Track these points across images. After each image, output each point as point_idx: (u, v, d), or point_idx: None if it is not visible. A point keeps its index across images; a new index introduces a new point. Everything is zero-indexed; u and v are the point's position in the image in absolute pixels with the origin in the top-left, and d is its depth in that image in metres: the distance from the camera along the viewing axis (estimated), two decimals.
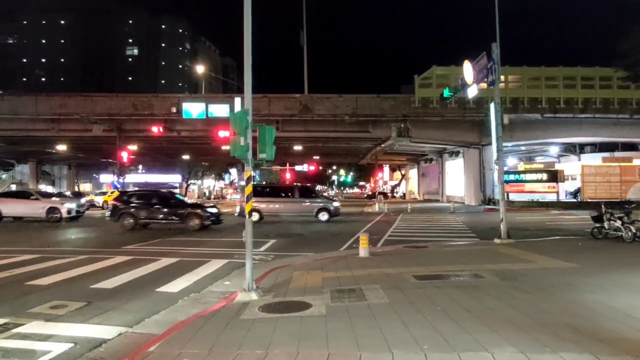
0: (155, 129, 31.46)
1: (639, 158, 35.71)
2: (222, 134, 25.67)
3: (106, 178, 57.91)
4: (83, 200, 26.95)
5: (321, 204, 22.64)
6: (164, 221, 18.99)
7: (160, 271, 9.59)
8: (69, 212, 23.57)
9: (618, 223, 12.27)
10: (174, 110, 31.73)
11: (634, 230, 11.82)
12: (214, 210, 19.52)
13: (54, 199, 25.80)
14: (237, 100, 29.47)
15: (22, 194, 25.32)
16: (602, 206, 13.09)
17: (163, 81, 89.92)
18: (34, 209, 23.11)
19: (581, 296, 6.29)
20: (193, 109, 31.55)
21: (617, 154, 38.95)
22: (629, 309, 5.57)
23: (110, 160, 46.91)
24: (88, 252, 12.10)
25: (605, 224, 12.64)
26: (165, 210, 19.10)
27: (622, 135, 33.82)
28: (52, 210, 23.15)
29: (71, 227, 20.64)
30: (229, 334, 5.04)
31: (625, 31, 17.99)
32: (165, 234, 17.23)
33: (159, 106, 32.46)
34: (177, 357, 4.40)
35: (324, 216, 22.05)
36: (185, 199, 21.78)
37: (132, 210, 19.10)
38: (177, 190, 64.02)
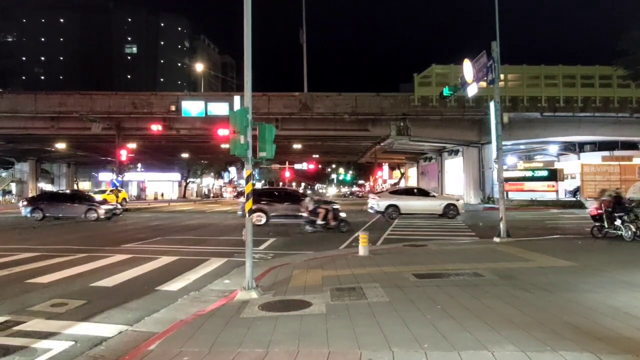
0: (155, 128, 31.49)
1: (639, 157, 35.72)
2: (222, 132, 25.68)
3: (105, 176, 57.89)
4: None
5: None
6: None
7: (159, 270, 9.59)
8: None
9: (618, 222, 12.29)
10: (173, 108, 31.74)
11: (634, 229, 11.84)
12: None
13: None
14: (237, 99, 29.60)
15: (418, 191, 24.68)
16: (602, 205, 13.09)
17: (162, 79, 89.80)
18: (432, 206, 22.49)
19: (580, 295, 6.30)
20: (192, 107, 31.54)
21: (617, 152, 38.91)
22: (629, 307, 5.58)
23: (110, 159, 46.88)
24: (87, 251, 12.09)
25: (605, 223, 12.66)
26: None
27: (622, 134, 33.82)
28: (449, 207, 22.37)
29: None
30: (229, 333, 5.04)
31: (625, 30, 17.97)
32: (167, 232, 17.23)
33: (158, 104, 32.46)
34: (178, 355, 4.40)
35: None
36: None
37: None
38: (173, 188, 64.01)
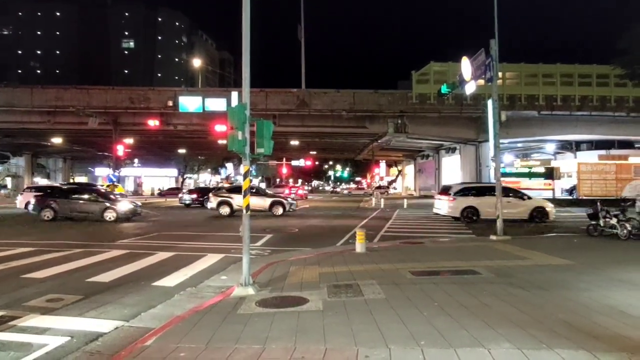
0: (152, 123, 31.40)
1: (635, 156, 35.88)
2: (219, 128, 25.68)
3: (101, 171, 57.60)
4: None
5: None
6: None
7: (156, 265, 9.57)
8: None
9: (614, 221, 12.34)
10: (170, 103, 31.66)
11: (629, 228, 11.90)
12: None
13: None
14: (234, 95, 29.52)
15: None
16: (598, 204, 13.14)
17: (159, 74, 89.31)
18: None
19: (576, 293, 6.33)
20: (189, 102, 31.49)
21: (614, 151, 39.06)
22: (624, 306, 5.61)
23: (106, 154, 46.65)
24: (83, 246, 12.05)
25: (601, 222, 12.71)
26: None
27: (618, 133, 33.95)
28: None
29: None
30: (226, 329, 5.04)
31: (624, 29, 17.95)
32: (163, 227, 17.21)
33: (156, 99, 32.37)
34: (174, 351, 4.39)
35: None
36: None
37: None
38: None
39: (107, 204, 19.78)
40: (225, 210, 22.53)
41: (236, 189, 23.22)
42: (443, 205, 19.05)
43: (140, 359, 4.23)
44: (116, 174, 31.47)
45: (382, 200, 34.84)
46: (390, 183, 74.19)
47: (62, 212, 19.79)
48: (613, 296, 6.11)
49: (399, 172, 72.13)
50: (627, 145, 38.85)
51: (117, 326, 5.44)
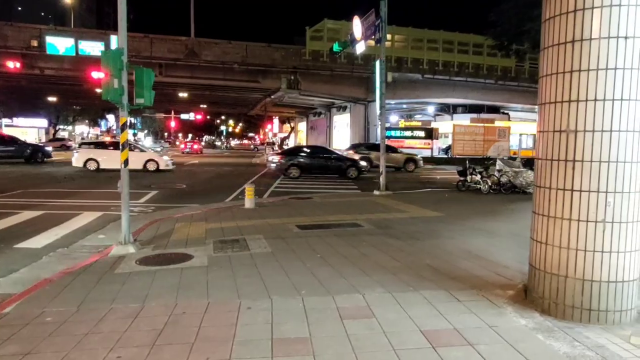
0: (11, 65, 27.41)
1: (499, 120, 40.25)
2: (96, 75, 23.20)
3: None
4: None
5: None
6: None
7: (20, 225, 8.61)
8: None
9: (478, 177, 13.87)
10: (35, 43, 27.81)
11: (489, 184, 13.49)
12: None
13: None
14: (114, 38, 26.79)
15: None
16: (467, 162, 14.62)
17: (20, 8, 77.20)
18: None
19: (443, 241, 7.06)
20: (59, 43, 27.97)
21: (483, 115, 43.31)
22: (479, 250, 6.41)
23: None
24: None
25: (468, 178, 14.20)
26: None
27: (487, 98, 37.70)
28: None
29: None
30: (101, 289, 4.76)
31: (497, 2, 19.41)
32: (30, 184, 15.42)
33: (15, 37, 28.15)
34: (39, 316, 4.04)
35: None
36: None
37: None
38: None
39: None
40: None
41: (374, 146, 24.97)
42: None
43: None
44: None
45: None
46: (283, 139, 74.43)
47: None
48: (472, 242, 6.94)
49: (292, 128, 72.58)
50: (494, 110, 43.31)
51: None
